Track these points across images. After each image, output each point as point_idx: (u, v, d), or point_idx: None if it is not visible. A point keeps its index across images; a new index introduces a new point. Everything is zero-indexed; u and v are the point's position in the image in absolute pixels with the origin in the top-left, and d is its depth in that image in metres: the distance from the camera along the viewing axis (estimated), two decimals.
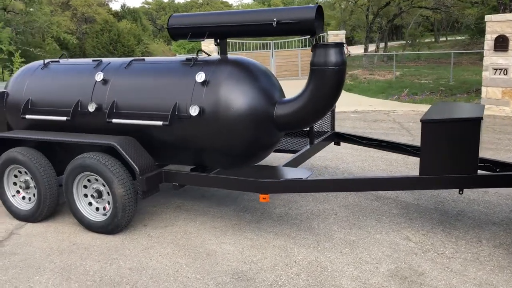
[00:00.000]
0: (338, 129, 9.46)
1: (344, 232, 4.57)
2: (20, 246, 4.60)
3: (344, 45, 4.51)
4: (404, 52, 32.02)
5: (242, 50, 23.08)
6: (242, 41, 23.05)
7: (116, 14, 45.57)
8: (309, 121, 4.52)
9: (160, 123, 4.46)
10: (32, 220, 5.14)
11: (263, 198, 4.25)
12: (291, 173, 4.44)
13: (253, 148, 4.51)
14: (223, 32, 4.62)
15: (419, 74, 22.18)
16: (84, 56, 36.58)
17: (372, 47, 33.60)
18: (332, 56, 4.21)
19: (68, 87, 5.12)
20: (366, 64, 27.15)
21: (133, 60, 5.07)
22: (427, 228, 4.59)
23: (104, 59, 5.29)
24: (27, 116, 5.20)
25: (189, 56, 4.82)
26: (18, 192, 5.24)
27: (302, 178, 4.22)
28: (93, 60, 5.29)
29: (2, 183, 5.23)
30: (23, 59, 23.22)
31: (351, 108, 12.40)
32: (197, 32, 4.70)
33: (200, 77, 4.40)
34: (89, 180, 4.75)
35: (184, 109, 4.45)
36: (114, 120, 4.70)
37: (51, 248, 4.52)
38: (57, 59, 5.62)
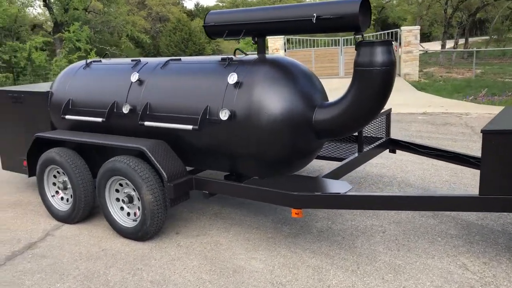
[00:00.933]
0: (401, 133, 8.76)
1: (390, 254, 4.03)
2: (51, 248, 4.55)
3: (394, 43, 3.96)
4: (487, 49, 29.71)
5: (311, 46, 22.50)
6: (311, 37, 22.49)
7: (189, 13, 46.65)
8: (352, 127, 4.04)
9: (189, 127, 4.19)
10: (69, 222, 5.10)
11: (296, 213, 3.84)
12: (330, 186, 3.98)
13: (288, 156, 4.10)
14: (260, 30, 4.25)
15: (503, 72, 20.40)
16: (158, 54, 37.76)
17: (450, 43, 31.56)
18: (379, 55, 3.69)
19: (106, 88, 5.01)
20: (443, 61, 25.49)
21: (169, 60, 4.85)
22: (490, 255, 3.94)
23: (143, 59, 5.12)
24: (67, 117, 5.16)
25: (225, 56, 4.51)
26: (57, 192, 5.23)
27: (339, 193, 3.76)
28: (131, 60, 5.14)
29: (43, 183, 5.24)
30: (97, 57, 24.25)
31: (419, 109, 11.51)
32: (233, 30, 4.37)
33: (233, 78, 4.07)
34: (121, 184, 4.60)
35: (215, 113, 4.14)
36: (146, 123, 4.51)
37: (80, 253, 4.42)
38: (99, 59, 5.55)
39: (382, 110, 4.82)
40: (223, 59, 4.45)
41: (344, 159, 4.92)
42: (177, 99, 4.42)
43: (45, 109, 5.52)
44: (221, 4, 70.53)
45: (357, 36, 3.84)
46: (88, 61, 5.51)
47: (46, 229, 5.04)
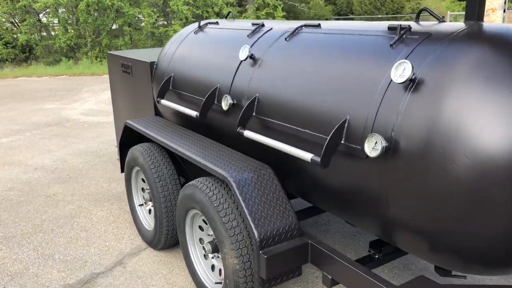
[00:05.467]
0: None
1: None
2: None
3: None
4: None
5: None
6: None
7: None
8: None
9: (308, 156, 2.24)
10: (152, 246, 3.72)
11: None
12: None
13: None
14: None
15: None
16: (350, 13, 35.15)
17: None
18: None
19: (210, 66, 3.33)
20: None
21: (303, 26, 2.89)
22: None
23: (268, 23, 3.26)
24: (162, 102, 3.67)
25: (397, 23, 2.37)
26: (146, 202, 3.87)
27: None
28: (252, 24, 3.32)
29: (130, 185, 3.94)
30: (284, 13, 23.02)
31: None
32: None
33: (402, 70, 1.95)
34: (205, 222, 2.95)
35: (357, 137, 2.11)
36: (246, 133, 2.70)
37: None
38: (216, 21, 3.87)
39: None
40: (391, 28, 2.31)
41: None
42: (299, 96, 2.48)
43: (149, 85, 4.14)
44: None
45: None
46: (203, 23, 3.88)
47: (123, 252, 3.74)
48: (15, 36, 18.13)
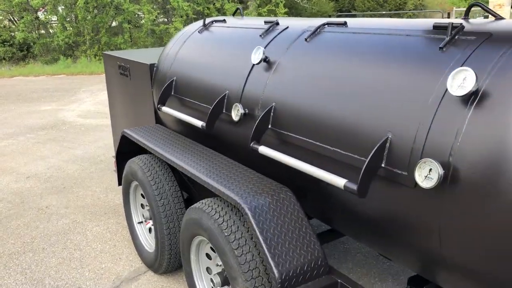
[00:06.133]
0: None
1: None
2: None
3: None
4: None
5: None
6: None
7: None
8: None
9: (340, 182, 1.86)
10: (153, 270, 3.34)
11: None
12: None
13: None
14: None
15: None
16: (353, 9, 34.73)
17: None
18: None
19: (217, 69, 2.95)
20: None
21: (325, 24, 2.50)
22: None
23: (284, 21, 2.87)
24: (163, 109, 3.29)
25: (443, 22, 1.99)
26: (146, 220, 3.50)
27: None
28: (265, 22, 2.93)
29: (128, 200, 3.56)
30: (286, 10, 22.62)
31: None
32: None
33: (461, 81, 1.57)
34: (213, 249, 2.57)
35: (401, 160, 1.73)
36: (261, 149, 2.32)
37: None
38: (222, 19, 3.48)
39: None
40: (438, 27, 1.92)
41: None
42: (326, 108, 2.10)
43: (149, 90, 3.76)
44: None
45: None
46: (208, 20, 3.49)
47: (120, 276, 3.36)
48: (12, 34, 17.74)
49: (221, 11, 22.98)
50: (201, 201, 2.53)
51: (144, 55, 4.35)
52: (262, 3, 24.72)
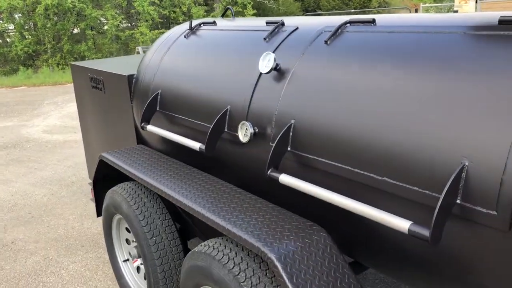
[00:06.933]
0: None
1: None
2: None
3: None
4: None
5: None
6: None
7: None
8: None
9: (404, 225, 1.44)
10: None
11: None
12: None
13: None
14: None
15: None
16: (318, 9, 34.71)
17: None
18: None
19: (213, 81, 2.49)
20: None
21: (347, 22, 2.08)
22: None
23: (288, 21, 2.43)
24: (149, 128, 2.81)
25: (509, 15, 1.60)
26: (133, 258, 3.00)
27: None
28: (267, 23, 2.50)
29: (111, 236, 3.06)
30: (254, 11, 22.31)
31: None
32: None
33: None
34: None
35: (487, 195, 1.32)
36: (283, 178, 1.88)
37: None
38: (212, 20, 3.02)
39: None
40: (505, 21, 1.53)
41: None
42: (366, 128, 1.68)
43: (128, 105, 3.26)
44: None
45: None
46: (195, 23, 3.02)
47: None
48: None
49: (187, 15, 22.40)
50: (206, 243, 2.07)
51: (119, 65, 3.85)
52: (228, 5, 24.29)
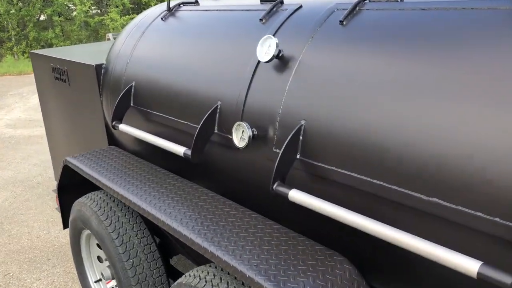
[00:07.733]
0: None
1: None
2: None
3: None
4: None
5: None
6: None
7: None
8: None
9: (469, 266, 1.07)
10: None
11: None
12: None
13: None
14: None
15: None
16: None
17: None
18: None
19: (199, 71, 2.08)
20: None
21: (364, 0, 1.70)
22: None
23: None
24: (122, 128, 2.38)
25: None
26: (106, 279, 2.58)
27: None
28: (261, 1, 2.08)
29: (79, 251, 2.64)
30: None
31: None
32: None
33: None
34: None
35: None
36: (293, 195, 1.49)
37: None
38: (193, 0, 2.58)
39: None
40: None
41: None
42: (396, 133, 1.31)
43: (96, 99, 2.81)
44: None
45: None
46: (174, 3, 2.58)
47: None
48: None
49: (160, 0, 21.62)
50: (194, 273, 1.68)
51: (85, 53, 3.39)
52: None
